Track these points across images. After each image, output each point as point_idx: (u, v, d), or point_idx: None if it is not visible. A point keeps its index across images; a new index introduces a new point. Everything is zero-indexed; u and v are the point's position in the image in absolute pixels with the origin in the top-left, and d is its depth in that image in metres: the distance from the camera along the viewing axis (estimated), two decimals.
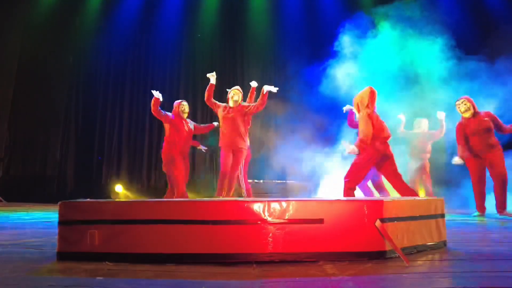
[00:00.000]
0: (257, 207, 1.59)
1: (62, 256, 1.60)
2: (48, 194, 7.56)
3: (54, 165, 7.77)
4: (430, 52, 5.57)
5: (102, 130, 8.06)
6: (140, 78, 8.18)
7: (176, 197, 4.08)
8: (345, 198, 1.74)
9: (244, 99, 4.41)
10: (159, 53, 8.15)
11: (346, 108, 4.07)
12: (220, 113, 4.20)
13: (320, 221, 1.59)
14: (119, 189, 7.33)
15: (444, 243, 1.90)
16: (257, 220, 1.58)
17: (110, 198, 7.43)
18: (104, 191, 7.60)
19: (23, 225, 3.00)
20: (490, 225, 3.15)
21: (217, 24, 7.99)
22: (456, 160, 3.99)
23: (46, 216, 3.94)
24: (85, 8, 8.14)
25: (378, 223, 1.57)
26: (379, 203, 1.62)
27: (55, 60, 7.91)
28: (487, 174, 3.98)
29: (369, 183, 3.96)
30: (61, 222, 1.63)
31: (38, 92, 7.81)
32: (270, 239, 1.56)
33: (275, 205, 1.60)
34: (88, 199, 1.95)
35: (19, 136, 7.80)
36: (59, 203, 1.66)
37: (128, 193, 7.31)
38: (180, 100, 4.57)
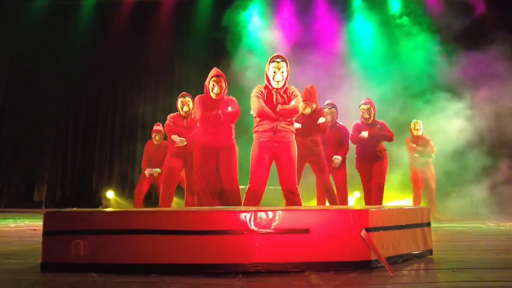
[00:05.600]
0: (244, 216, 1.59)
1: (46, 267, 1.58)
2: (38, 200, 7.48)
3: (45, 171, 7.69)
4: None
5: (94, 135, 8.02)
6: (134, 83, 8.16)
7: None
8: (331, 208, 1.75)
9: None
10: (154, 58, 8.14)
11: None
12: None
13: (306, 231, 1.59)
14: (110, 195, 7.27)
15: (430, 251, 1.91)
16: (243, 230, 1.58)
17: (101, 204, 7.36)
18: (95, 197, 7.54)
19: (8, 234, 2.96)
20: (477, 233, 3.18)
21: (211, 25, 7.97)
22: None
23: (33, 224, 3.89)
24: (79, 11, 8.12)
25: (363, 232, 1.58)
26: (365, 212, 1.63)
27: (47, 64, 7.87)
28: None
29: None
30: (46, 233, 1.62)
31: (30, 97, 7.75)
32: (256, 249, 1.56)
33: (261, 215, 1.60)
34: (75, 209, 1.94)
35: (9, 142, 7.72)
36: (43, 213, 1.64)
37: (119, 200, 7.25)
38: None
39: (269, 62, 2.96)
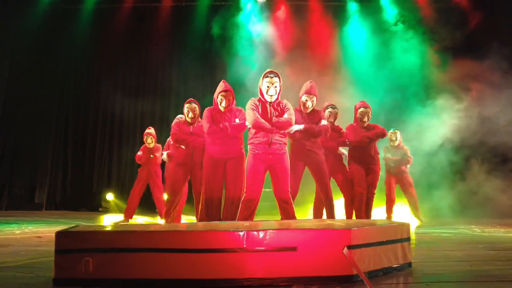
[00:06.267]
0: (237, 236, 1.75)
1: (58, 282, 1.74)
2: (39, 202, 7.61)
3: (45, 173, 7.82)
4: None
5: (93, 137, 8.14)
6: (132, 86, 8.28)
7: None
8: (316, 227, 1.91)
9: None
10: (152, 61, 8.26)
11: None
12: None
13: (294, 248, 1.76)
14: (110, 198, 7.41)
15: (409, 264, 2.08)
16: (238, 248, 1.74)
17: (101, 206, 7.50)
18: (95, 200, 7.67)
19: (14, 242, 3.10)
20: (458, 240, 3.36)
21: (208, 31, 8.08)
22: None
23: (37, 230, 4.03)
24: (78, 16, 8.21)
25: (345, 250, 1.75)
26: (348, 232, 1.80)
27: (46, 68, 7.98)
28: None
29: None
30: (57, 251, 1.77)
31: (29, 100, 7.86)
32: (249, 266, 1.72)
33: (253, 234, 1.76)
34: (81, 225, 2.10)
35: (9, 144, 7.83)
36: (55, 232, 1.79)
37: (119, 202, 7.40)
38: None
39: (263, 77, 3.12)
